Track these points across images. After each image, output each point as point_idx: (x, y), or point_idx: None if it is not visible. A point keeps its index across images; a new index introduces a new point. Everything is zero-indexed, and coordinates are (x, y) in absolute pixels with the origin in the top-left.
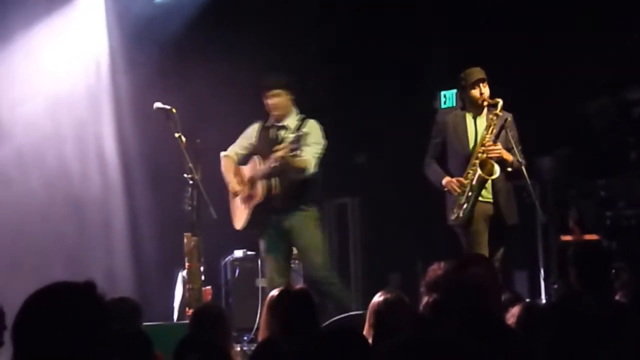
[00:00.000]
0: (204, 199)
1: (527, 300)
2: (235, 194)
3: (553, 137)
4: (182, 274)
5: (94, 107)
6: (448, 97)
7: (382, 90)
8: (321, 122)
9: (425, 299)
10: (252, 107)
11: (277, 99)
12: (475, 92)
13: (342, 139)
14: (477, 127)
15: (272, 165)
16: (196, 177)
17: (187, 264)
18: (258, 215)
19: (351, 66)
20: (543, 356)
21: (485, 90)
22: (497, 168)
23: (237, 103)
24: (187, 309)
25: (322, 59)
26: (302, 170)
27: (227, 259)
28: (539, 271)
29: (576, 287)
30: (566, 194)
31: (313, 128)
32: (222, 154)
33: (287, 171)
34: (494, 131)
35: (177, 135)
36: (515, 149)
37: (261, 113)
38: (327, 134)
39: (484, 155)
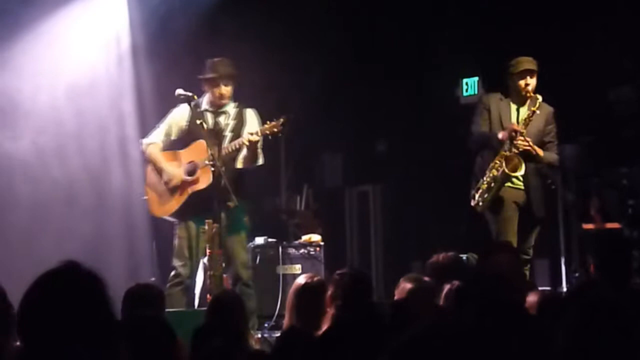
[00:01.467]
0: (225, 185)
1: (545, 289)
2: (171, 182)
3: (575, 125)
4: (203, 260)
5: (116, 95)
6: (470, 85)
7: (404, 77)
8: (342, 109)
9: (446, 287)
10: (271, 91)
11: (231, 87)
12: (521, 82)
13: (364, 126)
14: (519, 117)
15: (237, 146)
16: (217, 163)
17: (208, 251)
18: (193, 203)
19: (373, 54)
20: (561, 345)
21: (532, 81)
22: (522, 165)
23: (259, 89)
24: (208, 295)
25: (344, 48)
26: (256, 159)
27: (248, 246)
28: (560, 260)
29: (597, 275)
30: (588, 183)
31: (253, 117)
32: (146, 141)
33: (251, 158)
34: (528, 128)
35: (198, 122)
36: (552, 143)
37: (274, 99)
38: (349, 121)
39: (512, 150)
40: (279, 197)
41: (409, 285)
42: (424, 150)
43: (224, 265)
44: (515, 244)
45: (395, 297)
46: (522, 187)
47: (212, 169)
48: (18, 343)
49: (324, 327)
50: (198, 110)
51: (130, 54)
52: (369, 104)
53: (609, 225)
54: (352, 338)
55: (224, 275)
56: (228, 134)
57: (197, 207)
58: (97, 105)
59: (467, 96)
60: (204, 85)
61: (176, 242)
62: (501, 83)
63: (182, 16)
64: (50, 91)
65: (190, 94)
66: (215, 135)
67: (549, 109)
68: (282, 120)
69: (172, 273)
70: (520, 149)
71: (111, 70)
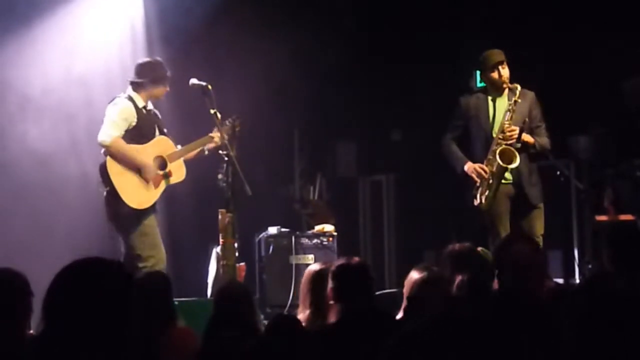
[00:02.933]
0: (239, 175)
1: (558, 280)
2: (147, 175)
3: (588, 116)
4: (217, 250)
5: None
6: None
7: (419, 68)
8: (357, 99)
9: (458, 278)
10: (282, 83)
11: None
12: (494, 75)
13: (378, 116)
14: (496, 108)
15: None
16: (231, 153)
17: (221, 240)
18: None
19: (388, 44)
20: (572, 337)
21: (504, 72)
22: (517, 157)
23: (272, 79)
24: None
25: (359, 37)
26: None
27: (261, 236)
28: (573, 251)
29: (610, 267)
30: (602, 174)
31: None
32: (114, 136)
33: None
34: (513, 117)
35: (212, 111)
36: (539, 127)
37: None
38: (363, 111)
39: (503, 144)
40: (293, 186)
41: (416, 276)
42: (437, 140)
43: (237, 254)
44: None
45: (404, 288)
46: (511, 181)
47: (226, 158)
48: (32, 331)
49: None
50: (139, 107)
51: (145, 43)
52: (383, 93)
53: (623, 217)
54: (354, 333)
55: (237, 265)
56: (157, 131)
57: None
58: (110, 96)
59: (480, 87)
60: (148, 84)
61: (146, 231)
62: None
63: (198, 5)
64: (62, 81)
65: (204, 83)
66: (152, 131)
67: (530, 94)
68: (234, 120)
69: (150, 263)
70: (510, 141)
71: (125, 57)
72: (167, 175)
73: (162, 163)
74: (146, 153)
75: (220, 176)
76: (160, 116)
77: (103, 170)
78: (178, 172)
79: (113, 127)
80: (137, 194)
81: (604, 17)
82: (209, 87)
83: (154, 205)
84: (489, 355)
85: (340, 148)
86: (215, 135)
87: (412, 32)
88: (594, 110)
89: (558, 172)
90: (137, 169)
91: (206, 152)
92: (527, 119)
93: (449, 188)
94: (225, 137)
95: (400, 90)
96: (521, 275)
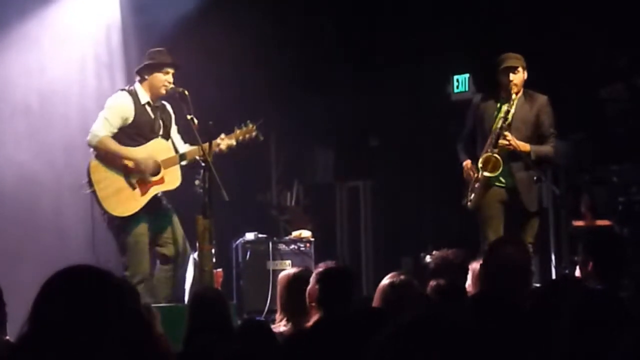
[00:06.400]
0: (216, 181)
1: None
2: (135, 179)
3: (566, 122)
4: (194, 256)
5: (106, 84)
6: (461, 82)
7: (395, 74)
8: (334, 105)
9: (431, 283)
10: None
11: (171, 77)
12: (504, 79)
13: (356, 122)
14: (502, 112)
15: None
16: (208, 159)
17: (198, 246)
18: (153, 201)
19: (364, 50)
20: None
21: (515, 77)
22: (500, 165)
23: (248, 84)
24: None
25: (337, 43)
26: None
27: (238, 242)
28: (550, 256)
29: (591, 274)
30: (579, 179)
31: (171, 112)
32: (101, 136)
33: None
34: (513, 123)
35: (189, 117)
36: (545, 136)
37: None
38: (341, 117)
39: (489, 152)
40: (270, 192)
41: (387, 281)
42: (414, 147)
43: (214, 260)
44: None
45: (376, 294)
46: (504, 185)
47: (203, 163)
48: (7, 337)
49: (310, 321)
50: (141, 103)
51: (122, 48)
52: (361, 100)
53: (600, 222)
54: (333, 337)
55: (214, 271)
56: (162, 130)
57: (149, 205)
58: (83, 104)
59: (457, 93)
60: (147, 73)
61: (132, 239)
62: (491, 80)
63: (172, 11)
64: (35, 91)
65: (180, 89)
66: (164, 130)
67: (541, 98)
68: (252, 126)
69: (129, 272)
70: (501, 149)
71: (102, 58)
72: (157, 182)
73: (156, 168)
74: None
75: (197, 182)
76: (170, 111)
77: (87, 173)
78: (172, 178)
79: (103, 125)
80: (120, 200)
81: (583, 24)
82: (186, 92)
83: (149, 210)
84: (470, 357)
85: (317, 154)
86: (222, 141)
87: (390, 38)
88: (572, 116)
89: (535, 178)
90: (126, 172)
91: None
92: (504, 125)
93: (426, 194)
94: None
95: (378, 96)
96: (509, 278)
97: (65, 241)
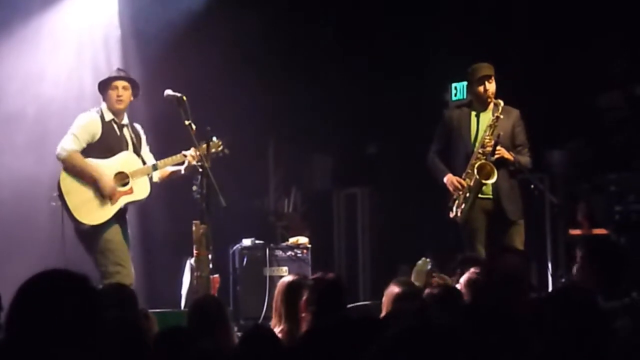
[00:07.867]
0: (214, 187)
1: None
2: (104, 191)
3: (564, 130)
4: (191, 261)
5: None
6: (459, 89)
7: (394, 81)
8: (333, 112)
9: (427, 290)
10: (258, 94)
11: (129, 92)
12: (480, 89)
13: (353, 129)
14: (479, 123)
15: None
16: (206, 165)
17: (195, 252)
18: (122, 211)
19: (363, 58)
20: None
21: (491, 86)
22: (495, 172)
23: (247, 90)
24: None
25: (334, 51)
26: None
27: (235, 248)
28: (547, 265)
29: (591, 282)
30: (576, 188)
31: (142, 133)
32: (70, 150)
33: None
34: (495, 132)
35: (187, 123)
36: (522, 146)
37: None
38: (339, 124)
39: (483, 159)
40: (267, 198)
41: (396, 290)
42: (412, 154)
43: (210, 266)
44: (483, 254)
45: (383, 299)
46: (491, 196)
47: (201, 169)
48: None
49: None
50: (106, 120)
51: (120, 54)
52: (359, 107)
53: (597, 231)
54: (325, 347)
55: (211, 277)
56: (130, 147)
57: (118, 214)
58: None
59: (455, 100)
60: (102, 93)
61: (108, 247)
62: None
63: (173, 18)
64: (34, 95)
65: (179, 94)
66: (133, 148)
67: (514, 112)
68: (219, 142)
69: (116, 279)
70: (495, 158)
71: (99, 64)
72: (127, 192)
73: (124, 179)
74: (107, 168)
75: (194, 188)
76: (140, 131)
77: (58, 185)
78: (141, 189)
79: (72, 141)
80: (90, 209)
81: (580, 32)
82: (184, 98)
83: (118, 218)
84: None
85: (315, 161)
86: (189, 154)
87: (389, 46)
88: (569, 124)
89: (532, 186)
90: (94, 184)
91: (182, 172)
92: (501, 133)
93: (423, 201)
94: (198, 152)
95: (376, 103)
96: (510, 286)
97: (62, 247)
